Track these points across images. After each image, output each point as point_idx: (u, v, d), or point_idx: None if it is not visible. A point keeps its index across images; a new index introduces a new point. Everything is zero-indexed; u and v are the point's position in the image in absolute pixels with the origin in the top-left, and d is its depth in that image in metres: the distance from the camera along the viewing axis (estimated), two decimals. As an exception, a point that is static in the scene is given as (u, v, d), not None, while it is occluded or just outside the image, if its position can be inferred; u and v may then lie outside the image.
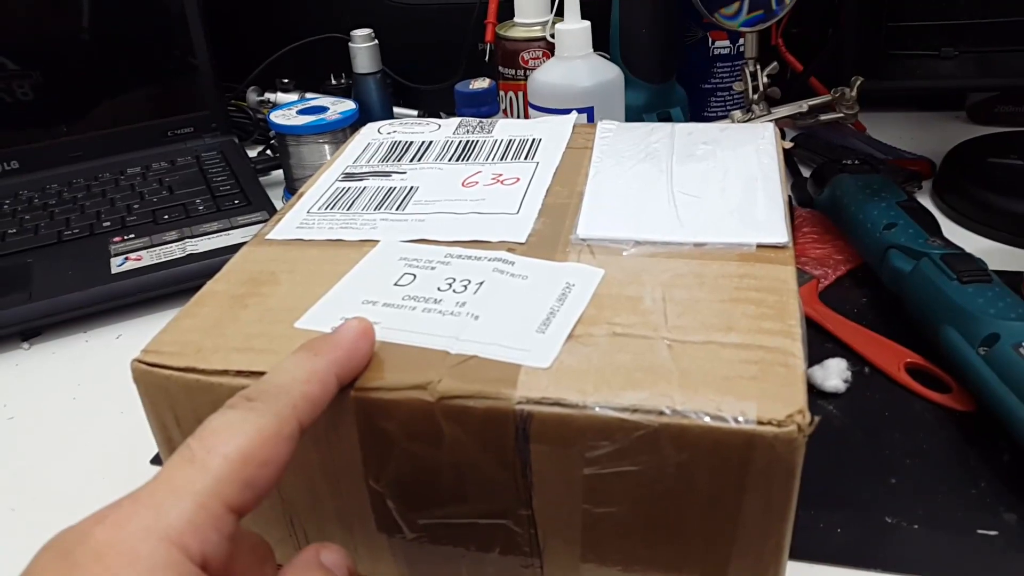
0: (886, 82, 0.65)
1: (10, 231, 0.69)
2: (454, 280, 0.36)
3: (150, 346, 0.34)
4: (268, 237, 0.41)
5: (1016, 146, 0.68)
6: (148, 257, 0.63)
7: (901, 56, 0.66)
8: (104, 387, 0.55)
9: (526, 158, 0.46)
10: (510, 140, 0.49)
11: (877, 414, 0.46)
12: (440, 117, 0.58)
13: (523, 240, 0.38)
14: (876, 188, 0.59)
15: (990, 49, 0.65)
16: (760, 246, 0.36)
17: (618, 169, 0.44)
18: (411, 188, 0.44)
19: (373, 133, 0.52)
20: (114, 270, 0.62)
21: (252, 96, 0.95)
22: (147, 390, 0.33)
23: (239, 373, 0.31)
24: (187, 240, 0.66)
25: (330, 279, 0.37)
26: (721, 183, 0.41)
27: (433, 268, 0.37)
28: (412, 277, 0.36)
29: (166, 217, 0.69)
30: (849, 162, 0.63)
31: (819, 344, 0.52)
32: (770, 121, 0.63)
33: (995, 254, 0.57)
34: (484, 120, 0.52)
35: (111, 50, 0.79)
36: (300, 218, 0.43)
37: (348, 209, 0.43)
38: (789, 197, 0.41)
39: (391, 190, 0.44)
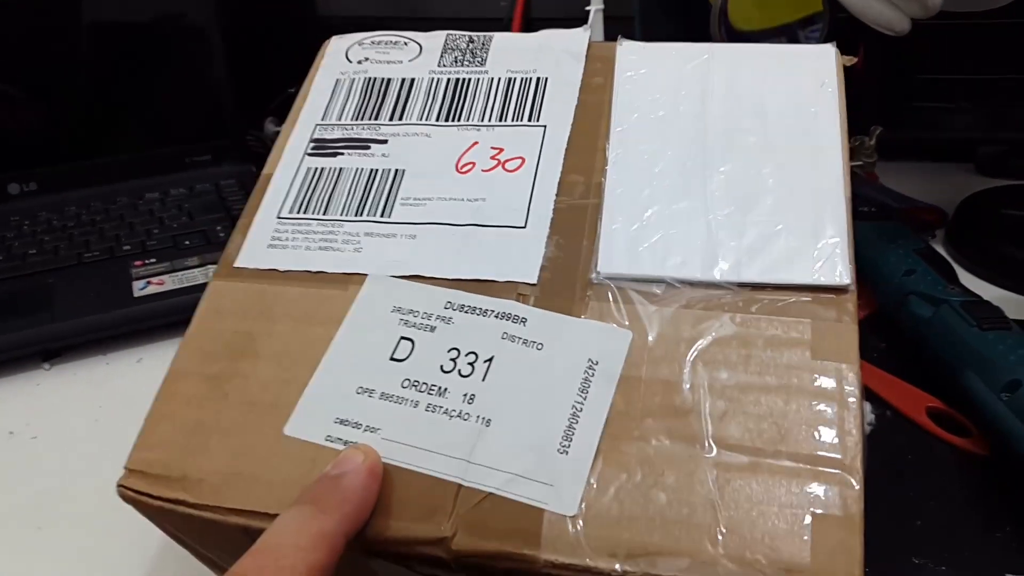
0: (904, 132, 0.66)
1: (31, 251, 0.69)
2: (458, 354, 0.33)
3: (133, 461, 0.32)
4: (237, 265, 0.38)
5: (1030, 198, 0.69)
6: (170, 282, 0.64)
7: (918, 108, 0.67)
8: (126, 410, 0.53)
9: (530, 118, 0.40)
10: (509, 81, 0.42)
11: (900, 457, 0.47)
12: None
13: (534, 280, 0.35)
14: (893, 235, 0.59)
15: (1005, 104, 0.66)
16: (817, 288, 0.33)
17: (643, 148, 0.38)
18: (396, 172, 0.39)
19: (341, 61, 0.45)
20: (136, 293, 0.63)
21: (270, 127, 0.96)
22: (140, 510, 0.32)
23: (232, 511, 0.30)
24: (209, 266, 0.66)
25: (316, 347, 0.34)
26: (769, 177, 0.36)
27: (432, 329, 0.33)
28: (410, 345, 0.33)
29: (187, 243, 0.69)
30: (865, 209, 0.64)
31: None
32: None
33: (1010, 303, 0.57)
34: (474, 38, 0.44)
35: (130, 77, 0.80)
36: (271, 227, 0.39)
37: (324, 212, 0.39)
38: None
39: (372, 176, 0.39)
